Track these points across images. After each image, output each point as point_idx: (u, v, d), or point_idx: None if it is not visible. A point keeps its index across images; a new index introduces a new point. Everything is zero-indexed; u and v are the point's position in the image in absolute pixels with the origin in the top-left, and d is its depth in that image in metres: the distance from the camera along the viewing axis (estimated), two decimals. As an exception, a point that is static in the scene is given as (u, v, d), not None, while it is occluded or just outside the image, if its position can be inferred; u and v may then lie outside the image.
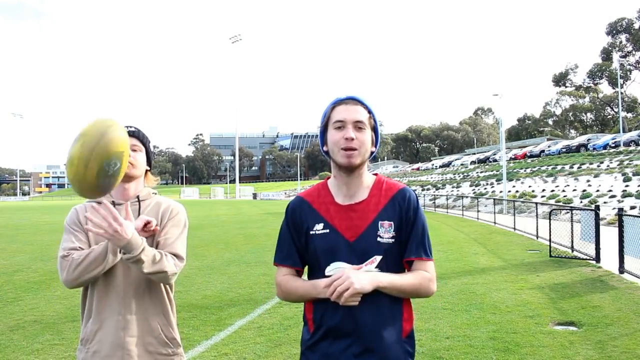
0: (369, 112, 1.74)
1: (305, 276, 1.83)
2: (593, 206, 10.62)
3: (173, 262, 1.98)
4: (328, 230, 1.71)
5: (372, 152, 1.75)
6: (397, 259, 1.74)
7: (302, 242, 1.77)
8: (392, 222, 1.72)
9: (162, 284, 2.06)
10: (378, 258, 1.68)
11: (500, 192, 29.17)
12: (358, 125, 1.69)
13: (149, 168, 2.17)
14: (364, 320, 1.65)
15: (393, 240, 1.71)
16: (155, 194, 2.17)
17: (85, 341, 2.03)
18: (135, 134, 2.09)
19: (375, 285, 1.61)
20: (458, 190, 36.60)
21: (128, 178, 2.05)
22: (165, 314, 2.07)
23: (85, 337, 2.03)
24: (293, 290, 1.74)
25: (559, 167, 32.92)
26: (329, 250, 1.69)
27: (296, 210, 1.80)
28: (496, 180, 34.55)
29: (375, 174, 1.84)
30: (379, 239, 1.69)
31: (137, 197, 2.09)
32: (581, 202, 21.95)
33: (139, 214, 2.05)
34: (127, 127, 2.08)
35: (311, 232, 1.73)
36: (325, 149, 1.77)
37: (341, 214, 1.73)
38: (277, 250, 1.83)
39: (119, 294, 1.99)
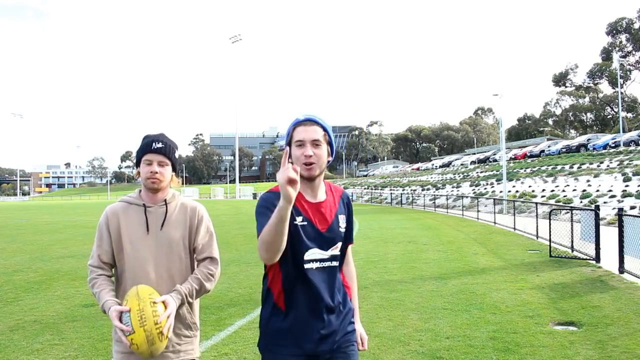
0: (324, 129, 2.10)
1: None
2: (593, 206, 10.62)
3: (210, 274, 2.34)
4: (306, 223, 2.08)
5: (328, 161, 2.15)
6: (345, 243, 2.22)
7: None
8: (344, 216, 2.21)
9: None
10: (340, 244, 2.15)
11: (500, 192, 29.16)
12: (315, 143, 2.06)
13: (174, 173, 2.40)
14: (325, 292, 2.09)
15: (345, 229, 2.20)
16: (179, 195, 2.46)
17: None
18: (162, 150, 2.30)
19: None
20: (458, 190, 36.59)
21: (157, 190, 2.32)
22: (189, 303, 2.35)
23: None
24: (267, 229, 1.88)
25: (559, 167, 32.92)
26: (307, 238, 2.06)
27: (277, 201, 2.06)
28: (496, 180, 34.54)
29: (324, 180, 2.22)
30: (340, 229, 2.16)
31: (165, 200, 2.36)
32: (581, 202, 21.94)
33: (165, 216, 2.33)
34: (155, 141, 2.30)
35: (294, 223, 2.04)
36: (290, 161, 2.03)
37: (313, 210, 2.11)
38: (261, 224, 1.98)
39: (152, 286, 2.24)
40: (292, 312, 2.06)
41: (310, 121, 2.08)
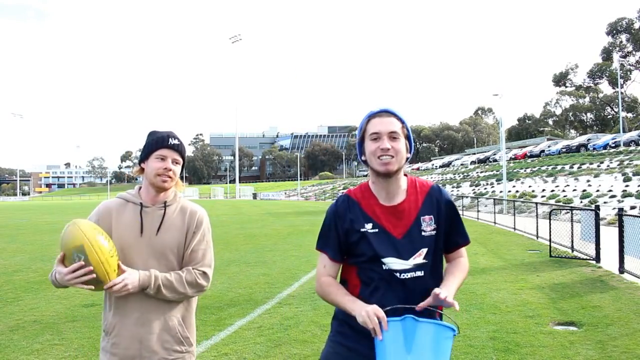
0: (402, 122, 1.88)
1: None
2: (593, 206, 10.61)
3: (197, 281, 2.10)
4: (377, 230, 1.85)
5: (407, 158, 1.90)
6: (437, 249, 1.91)
7: (344, 237, 1.90)
8: (432, 216, 1.90)
9: None
10: (424, 250, 1.85)
11: (500, 192, 29.16)
12: (392, 136, 1.83)
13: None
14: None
15: (435, 232, 1.89)
16: (180, 197, 2.27)
17: (107, 332, 2.13)
18: (178, 147, 2.13)
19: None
20: (458, 190, 36.61)
21: (164, 189, 2.13)
22: (182, 315, 2.16)
23: (107, 328, 2.13)
24: (328, 295, 1.88)
25: (559, 167, 32.94)
26: (380, 248, 1.83)
27: (347, 207, 1.92)
28: (496, 180, 34.55)
29: (405, 175, 1.96)
30: (423, 233, 1.87)
31: (164, 202, 2.16)
32: (581, 202, 21.94)
33: (163, 218, 2.13)
34: (171, 138, 2.12)
35: (362, 230, 1.85)
36: (363, 158, 1.92)
37: (386, 215, 1.88)
38: (320, 237, 1.96)
39: (138, 293, 2.04)
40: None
41: (386, 112, 1.86)
